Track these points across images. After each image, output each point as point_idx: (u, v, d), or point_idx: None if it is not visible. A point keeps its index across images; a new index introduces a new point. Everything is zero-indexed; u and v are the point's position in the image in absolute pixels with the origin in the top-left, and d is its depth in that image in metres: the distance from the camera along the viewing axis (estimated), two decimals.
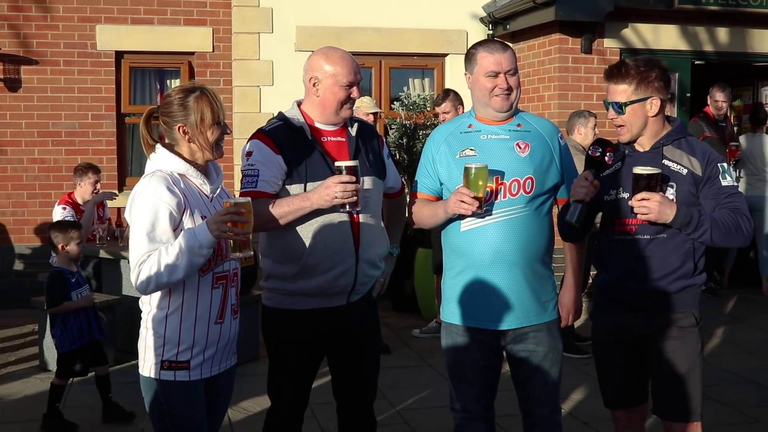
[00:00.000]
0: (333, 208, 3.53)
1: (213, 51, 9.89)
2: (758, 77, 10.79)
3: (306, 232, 3.61)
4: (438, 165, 3.74)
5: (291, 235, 3.62)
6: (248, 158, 3.63)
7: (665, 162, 3.51)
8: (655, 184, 3.41)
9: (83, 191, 8.06)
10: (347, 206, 3.48)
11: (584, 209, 3.53)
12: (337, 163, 3.51)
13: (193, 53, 9.91)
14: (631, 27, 9.27)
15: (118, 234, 7.73)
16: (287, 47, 9.59)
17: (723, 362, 6.94)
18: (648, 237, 3.52)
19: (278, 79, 9.56)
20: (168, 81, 10.10)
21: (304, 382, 3.81)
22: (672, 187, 3.48)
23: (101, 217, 8.07)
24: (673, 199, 3.45)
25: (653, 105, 3.50)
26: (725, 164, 3.52)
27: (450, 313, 3.76)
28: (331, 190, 3.44)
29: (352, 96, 3.66)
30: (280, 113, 3.78)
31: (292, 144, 3.62)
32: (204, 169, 3.27)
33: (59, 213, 7.98)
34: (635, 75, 3.49)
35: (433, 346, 7.53)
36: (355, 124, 3.78)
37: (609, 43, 9.24)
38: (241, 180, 3.64)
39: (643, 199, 3.38)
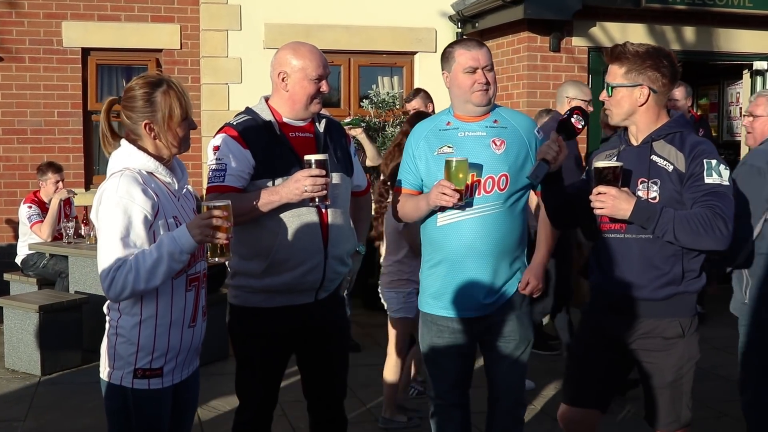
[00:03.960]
0: (302, 204, 3.52)
1: (181, 48, 9.82)
2: (724, 76, 10.90)
3: (275, 227, 3.57)
4: (417, 161, 3.80)
5: (259, 231, 3.58)
6: (215, 152, 3.58)
7: (653, 158, 3.37)
8: (614, 178, 3.29)
9: (46, 191, 8.02)
10: (317, 200, 3.46)
11: (548, 171, 3.41)
12: (306, 157, 3.49)
13: (160, 50, 9.83)
14: (599, 26, 9.32)
15: (85, 233, 7.65)
16: (256, 44, 9.54)
17: None
18: (634, 236, 3.38)
19: (247, 77, 9.51)
20: None
21: (273, 380, 3.78)
22: (656, 184, 3.34)
23: (68, 215, 8.00)
24: (642, 192, 3.33)
25: (642, 94, 3.37)
26: (714, 161, 3.30)
27: (426, 303, 3.87)
28: (300, 183, 3.42)
29: (321, 90, 3.64)
30: (248, 108, 3.74)
31: (260, 138, 3.59)
32: (170, 166, 3.11)
33: (25, 212, 7.93)
34: (628, 59, 3.39)
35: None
36: (323, 120, 3.76)
37: (577, 42, 9.29)
38: (209, 174, 3.59)
39: (599, 193, 3.28)
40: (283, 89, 3.65)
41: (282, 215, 3.56)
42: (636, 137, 3.47)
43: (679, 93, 8.25)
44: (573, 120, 3.49)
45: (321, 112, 3.77)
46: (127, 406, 3.03)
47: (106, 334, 3.09)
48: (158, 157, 3.03)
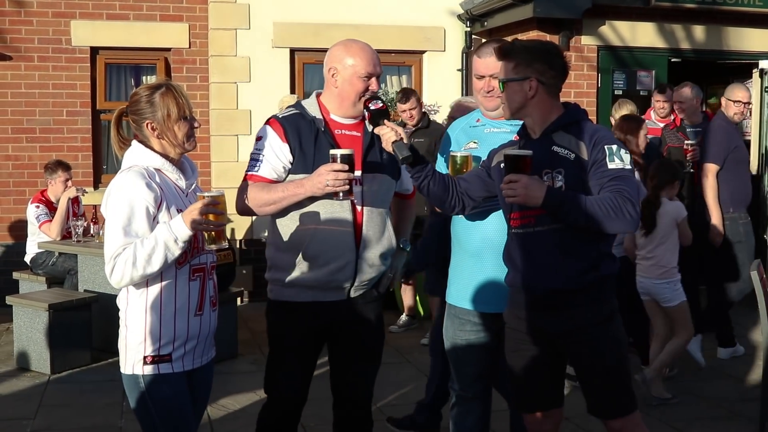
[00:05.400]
0: (332, 198, 3.52)
1: (189, 47, 9.81)
2: (733, 75, 10.85)
3: (308, 222, 3.62)
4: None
5: (294, 225, 3.64)
6: (257, 142, 3.70)
7: (554, 148, 3.40)
8: (524, 166, 3.28)
9: (55, 189, 8.01)
10: (340, 195, 3.47)
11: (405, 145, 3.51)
12: (332, 151, 3.51)
13: (169, 49, 9.82)
14: (608, 24, 9.30)
15: (94, 231, 7.65)
16: (264, 43, 9.53)
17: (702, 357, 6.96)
18: (546, 228, 3.38)
19: (255, 76, 9.49)
20: (144, 77, 9.99)
21: (303, 375, 3.79)
22: (560, 173, 3.36)
23: (77, 214, 8.01)
24: (548, 183, 3.32)
25: (531, 86, 3.40)
26: (615, 146, 3.35)
27: (451, 295, 3.97)
28: (323, 177, 3.45)
29: (370, 87, 3.67)
30: (298, 103, 3.81)
31: (302, 134, 3.64)
32: (179, 164, 3.32)
33: (33, 211, 7.93)
34: (516, 54, 3.44)
35: (412, 343, 7.54)
36: None
37: (586, 41, 9.26)
38: (249, 162, 3.71)
39: (511, 181, 3.26)
40: (333, 86, 3.70)
41: (316, 211, 3.61)
42: (534, 130, 3.50)
43: (686, 92, 8.14)
44: (371, 105, 3.63)
45: None
46: (143, 393, 3.21)
47: (120, 327, 3.28)
48: (165, 155, 3.25)
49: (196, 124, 3.28)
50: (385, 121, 3.56)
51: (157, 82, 3.27)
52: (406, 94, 7.75)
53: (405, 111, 7.67)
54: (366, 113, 3.64)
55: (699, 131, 7.84)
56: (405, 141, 3.51)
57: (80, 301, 6.91)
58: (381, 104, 3.62)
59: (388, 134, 3.51)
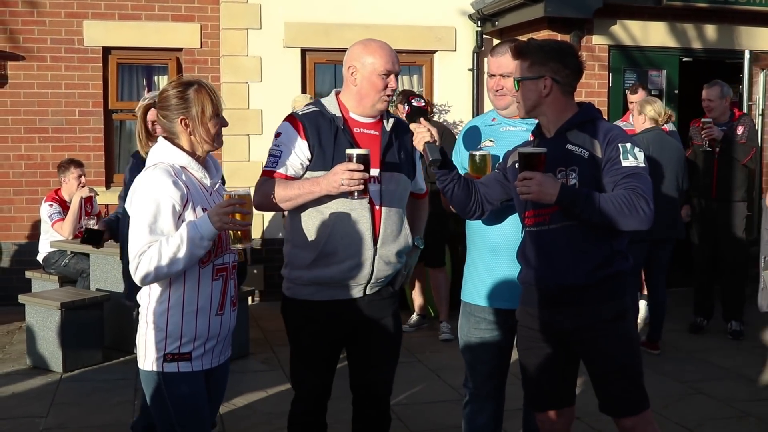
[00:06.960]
0: (346, 197, 3.53)
1: (201, 47, 9.84)
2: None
3: (327, 219, 3.64)
4: (462, 157, 3.99)
5: (312, 222, 3.66)
6: (276, 139, 3.72)
7: (569, 147, 3.42)
8: (539, 164, 3.29)
9: (69, 187, 8.06)
10: (355, 194, 3.49)
11: (439, 149, 3.54)
12: (348, 151, 3.53)
13: (181, 49, 9.85)
14: (619, 24, 9.29)
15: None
16: (276, 43, 9.55)
17: (712, 357, 6.96)
18: (559, 225, 3.40)
19: (266, 76, 9.51)
20: (156, 77, 10.03)
21: (325, 371, 3.82)
22: (575, 171, 3.38)
23: (89, 213, 8.04)
24: (562, 180, 3.33)
25: (546, 85, 3.43)
26: (629, 144, 3.37)
27: (465, 293, 4.00)
28: (338, 176, 3.47)
29: (389, 85, 3.70)
30: (317, 100, 3.84)
31: (321, 131, 3.67)
32: (204, 163, 3.32)
33: (46, 210, 7.97)
34: (531, 53, 3.46)
35: (422, 342, 7.55)
36: (391, 120, 3.82)
37: (598, 40, 9.25)
38: (267, 158, 3.73)
39: (525, 179, 3.27)
40: (353, 84, 3.73)
41: (335, 208, 3.63)
42: (548, 129, 3.52)
43: (713, 93, 8.02)
44: (414, 102, 3.71)
45: None
46: (161, 390, 3.21)
47: (139, 324, 3.28)
48: (192, 153, 3.26)
49: (226, 123, 3.31)
50: (422, 119, 3.60)
51: (187, 79, 3.26)
52: (405, 95, 7.83)
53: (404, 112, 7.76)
54: (406, 107, 3.69)
55: (725, 129, 7.80)
56: (437, 143, 3.54)
57: (92, 300, 6.94)
58: (423, 103, 3.69)
59: (424, 133, 3.55)
